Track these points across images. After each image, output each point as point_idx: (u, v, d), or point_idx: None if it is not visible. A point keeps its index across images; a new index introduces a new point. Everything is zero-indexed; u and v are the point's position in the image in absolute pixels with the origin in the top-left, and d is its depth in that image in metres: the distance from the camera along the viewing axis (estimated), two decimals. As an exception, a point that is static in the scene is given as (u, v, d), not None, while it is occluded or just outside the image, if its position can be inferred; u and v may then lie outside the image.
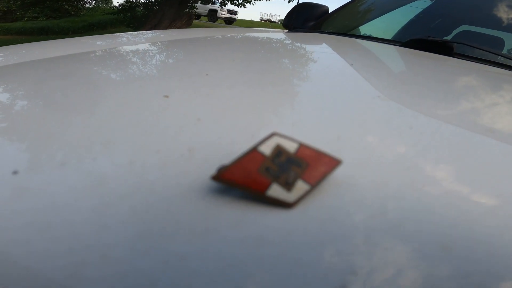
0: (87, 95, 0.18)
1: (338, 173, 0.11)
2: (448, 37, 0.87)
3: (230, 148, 0.13)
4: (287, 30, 0.94)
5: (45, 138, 0.13)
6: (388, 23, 1.04)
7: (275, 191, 0.09)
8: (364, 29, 0.98)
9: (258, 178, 0.09)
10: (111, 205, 0.10)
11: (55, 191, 0.10)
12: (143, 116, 0.15)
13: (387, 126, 0.17)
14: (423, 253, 0.09)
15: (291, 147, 0.10)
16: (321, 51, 0.44)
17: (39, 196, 0.10)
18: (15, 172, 0.11)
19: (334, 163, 0.10)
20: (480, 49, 0.68)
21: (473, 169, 0.13)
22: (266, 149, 0.10)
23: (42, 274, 0.08)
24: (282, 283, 0.07)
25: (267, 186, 0.09)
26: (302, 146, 0.10)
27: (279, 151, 0.10)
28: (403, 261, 0.08)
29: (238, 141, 0.13)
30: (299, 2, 0.94)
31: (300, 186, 0.09)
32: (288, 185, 0.09)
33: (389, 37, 0.98)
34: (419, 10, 0.99)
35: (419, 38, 0.72)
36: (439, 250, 0.09)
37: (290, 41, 0.52)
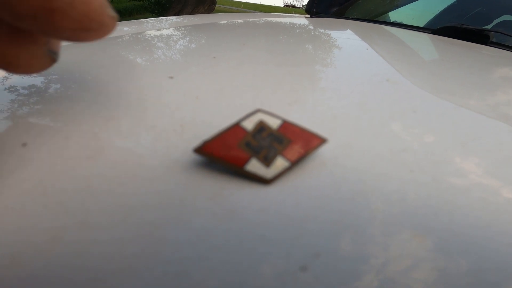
0: (102, 76, 0.19)
1: (326, 152, 0.11)
2: (488, 27, 0.80)
3: (223, 125, 0.13)
4: (309, 16, 0.91)
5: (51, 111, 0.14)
6: (421, 10, 0.97)
7: (254, 166, 0.09)
8: (392, 16, 0.93)
9: (238, 152, 0.09)
10: (100, 175, 0.10)
11: (54, 161, 0.11)
12: (145, 95, 0.16)
13: (390, 110, 0.16)
14: (397, 239, 0.08)
15: (274, 123, 0.10)
16: (339, 37, 0.42)
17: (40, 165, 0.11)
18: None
19: (319, 141, 0.10)
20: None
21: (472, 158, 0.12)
22: (249, 124, 0.10)
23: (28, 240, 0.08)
24: (245, 257, 0.07)
25: (246, 161, 0.09)
26: (285, 123, 0.10)
27: (261, 127, 0.10)
28: (372, 247, 0.08)
29: (232, 119, 0.13)
30: (323, -13, 0.90)
31: (279, 163, 0.09)
32: (267, 161, 0.09)
33: (421, 25, 0.92)
34: (454, -2, 0.91)
35: (451, 26, 0.67)
36: (413, 238, 0.08)
37: (308, 27, 0.50)
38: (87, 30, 0.10)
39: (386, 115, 0.15)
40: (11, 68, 0.12)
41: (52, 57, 0.12)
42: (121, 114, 0.14)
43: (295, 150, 0.09)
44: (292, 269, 0.07)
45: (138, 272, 0.07)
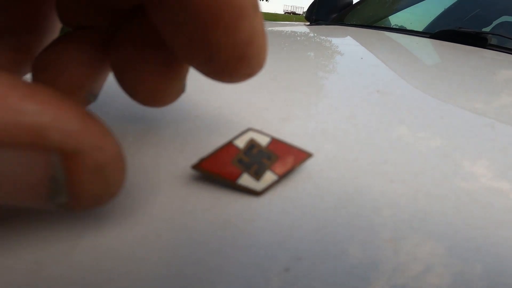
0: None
1: (313, 165, 0.12)
2: (487, 28, 0.80)
3: (219, 142, 0.14)
4: (309, 23, 0.92)
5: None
6: (419, 14, 0.97)
7: (245, 180, 0.10)
8: (391, 21, 0.93)
9: (231, 168, 0.10)
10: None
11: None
12: (149, 113, 0.17)
13: (376, 122, 0.17)
14: (372, 245, 0.09)
15: (263, 141, 0.11)
16: (335, 47, 0.44)
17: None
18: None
19: (304, 156, 0.11)
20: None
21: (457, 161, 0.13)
22: (241, 142, 0.11)
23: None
24: (236, 260, 0.09)
25: (238, 176, 0.10)
26: (274, 140, 0.11)
27: (252, 144, 0.11)
28: (349, 251, 0.09)
29: (228, 136, 0.14)
30: (322, -6, 0.92)
31: (268, 177, 0.10)
32: (257, 176, 0.10)
33: (420, 29, 0.92)
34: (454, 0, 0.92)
35: (449, 29, 0.68)
36: (387, 243, 0.09)
37: (305, 37, 0.51)
38: (251, 75, 0.10)
39: (372, 127, 0.16)
40: (154, 101, 0.12)
41: (183, 90, 0.12)
42: (127, 132, 0.15)
43: (282, 165, 0.11)
44: (277, 270, 0.08)
45: (142, 273, 0.08)
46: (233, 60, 0.09)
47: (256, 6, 0.09)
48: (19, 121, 0.06)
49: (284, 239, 0.09)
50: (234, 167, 0.10)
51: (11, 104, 0.06)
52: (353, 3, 0.96)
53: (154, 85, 0.11)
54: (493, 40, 0.62)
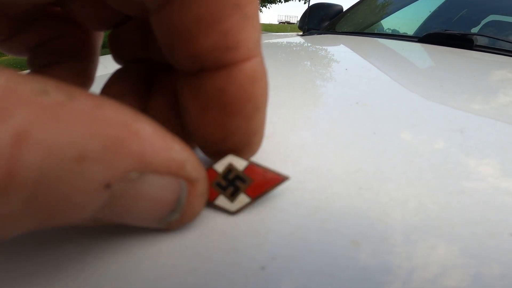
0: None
1: (287, 187, 0.13)
2: (476, 28, 0.81)
3: (207, 164, 0.15)
4: (302, 33, 0.94)
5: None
6: (408, 18, 0.99)
7: (221, 201, 0.12)
8: (380, 26, 0.95)
9: (210, 190, 0.12)
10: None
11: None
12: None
13: (352, 134, 0.18)
14: (337, 244, 0.10)
15: (240, 165, 0.12)
16: (321, 58, 0.45)
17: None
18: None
19: (279, 179, 0.12)
20: (502, 40, 0.64)
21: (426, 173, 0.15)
22: (220, 167, 0.12)
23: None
24: (218, 261, 0.10)
25: (215, 197, 0.12)
26: (250, 164, 0.12)
27: (229, 169, 0.12)
28: (318, 251, 0.10)
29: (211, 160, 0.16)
30: (312, 4, 0.94)
31: (242, 199, 0.12)
32: (232, 197, 0.12)
33: (410, 33, 0.93)
34: (443, 0, 0.93)
35: (436, 32, 0.69)
36: (351, 244, 0.11)
37: (293, 49, 0.53)
38: (247, 157, 0.13)
39: (347, 139, 0.17)
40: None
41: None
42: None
43: (256, 188, 0.12)
44: (254, 268, 0.10)
45: (138, 271, 0.09)
46: (242, 144, 0.12)
47: (266, 102, 0.11)
48: (171, 156, 0.09)
49: (261, 241, 0.11)
50: (212, 189, 0.12)
51: (167, 144, 0.08)
52: (343, 10, 0.98)
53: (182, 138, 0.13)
54: (481, 41, 0.63)
